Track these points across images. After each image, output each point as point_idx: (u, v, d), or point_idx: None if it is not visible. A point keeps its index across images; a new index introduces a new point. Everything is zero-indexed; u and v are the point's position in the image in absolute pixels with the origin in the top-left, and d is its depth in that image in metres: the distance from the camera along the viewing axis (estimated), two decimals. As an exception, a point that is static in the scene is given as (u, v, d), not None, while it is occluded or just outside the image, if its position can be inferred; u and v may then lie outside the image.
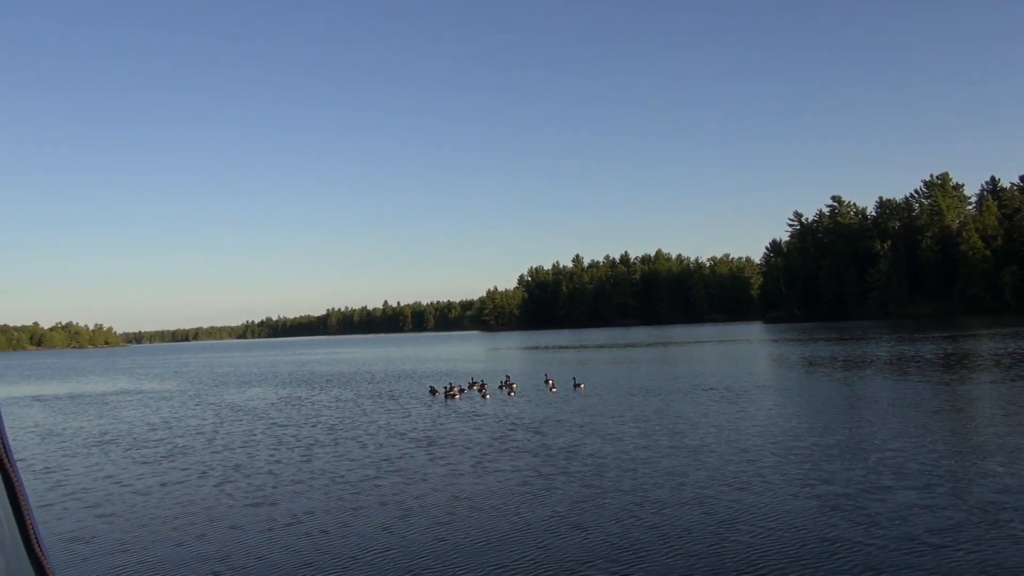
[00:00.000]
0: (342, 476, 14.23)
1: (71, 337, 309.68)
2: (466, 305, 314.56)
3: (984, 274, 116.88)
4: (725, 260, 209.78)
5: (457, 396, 27.73)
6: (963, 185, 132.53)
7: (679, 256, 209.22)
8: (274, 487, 13.58)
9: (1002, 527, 9.09)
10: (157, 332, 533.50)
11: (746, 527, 9.59)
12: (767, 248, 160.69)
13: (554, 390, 28.38)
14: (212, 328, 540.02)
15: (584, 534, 9.68)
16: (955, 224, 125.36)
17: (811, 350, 47.31)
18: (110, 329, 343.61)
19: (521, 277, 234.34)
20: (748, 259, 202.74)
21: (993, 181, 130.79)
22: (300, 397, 32.40)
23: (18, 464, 1.06)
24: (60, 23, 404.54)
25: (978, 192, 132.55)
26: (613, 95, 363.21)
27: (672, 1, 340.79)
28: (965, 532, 8.96)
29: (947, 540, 8.71)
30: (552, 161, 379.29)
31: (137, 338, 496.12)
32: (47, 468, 16.81)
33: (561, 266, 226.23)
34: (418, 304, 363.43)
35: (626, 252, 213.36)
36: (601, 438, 17.04)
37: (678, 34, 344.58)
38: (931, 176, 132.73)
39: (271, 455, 17.17)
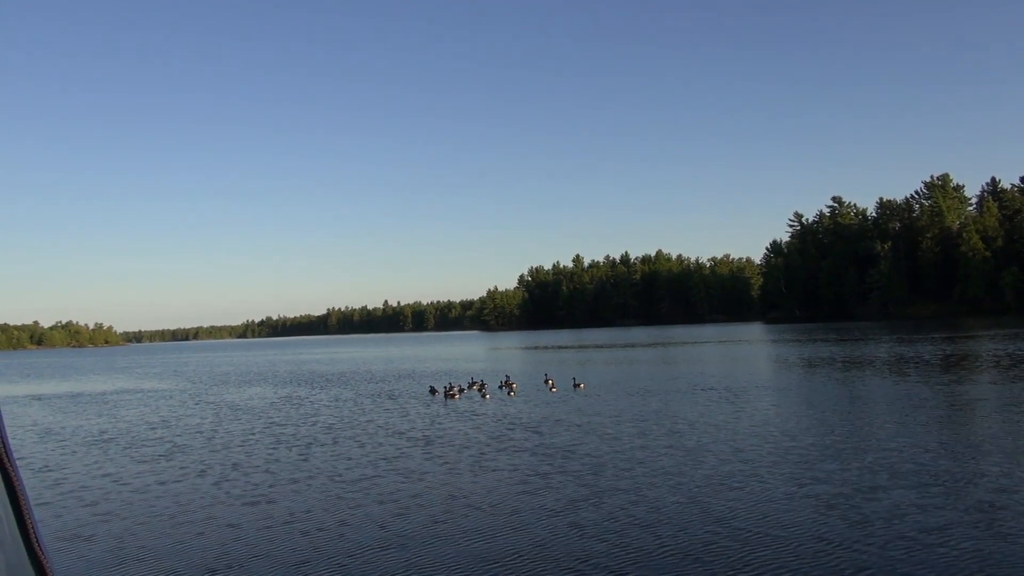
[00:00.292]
0: (340, 475, 14.27)
1: (71, 336, 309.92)
2: (466, 305, 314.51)
3: (984, 275, 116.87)
4: (725, 260, 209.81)
5: (457, 396, 27.75)
6: (963, 186, 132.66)
7: (679, 256, 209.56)
8: (272, 486, 13.62)
9: (997, 527, 9.13)
10: (157, 331, 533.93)
11: (742, 526, 9.64)
12: (767, 248, 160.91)
13: (554, 390, 28.40)
14: (212, 328, 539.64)
15: (581, 533, 9.72)
16: (955, 225, 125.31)
17: (811, 351, 47.32)
18: (110, 328, 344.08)
19: (521, 277, 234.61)
20: (748, 259, 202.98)
21: (994, 182, 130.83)
22: (299, 396, 32.42)
23: (18, 463, 1.06)
24: (60, 23, 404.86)
25: (978, 193, 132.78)
26: (613, 95, 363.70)
27: (672, 1, 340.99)
28: (959, 532, 9.00)
29: (941, 539, 8.75)
30: (552, 161, 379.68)
31: (137, 337, 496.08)
32: (47, 467, 16.85)
33: (561, 266, 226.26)
34: (418, 304, 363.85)
35: (626, 252, 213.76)
36: (600, 438, 17.08)
37: (678, 34, 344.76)
38: (931, 177, 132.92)
39: (270, 454, 17.21)
